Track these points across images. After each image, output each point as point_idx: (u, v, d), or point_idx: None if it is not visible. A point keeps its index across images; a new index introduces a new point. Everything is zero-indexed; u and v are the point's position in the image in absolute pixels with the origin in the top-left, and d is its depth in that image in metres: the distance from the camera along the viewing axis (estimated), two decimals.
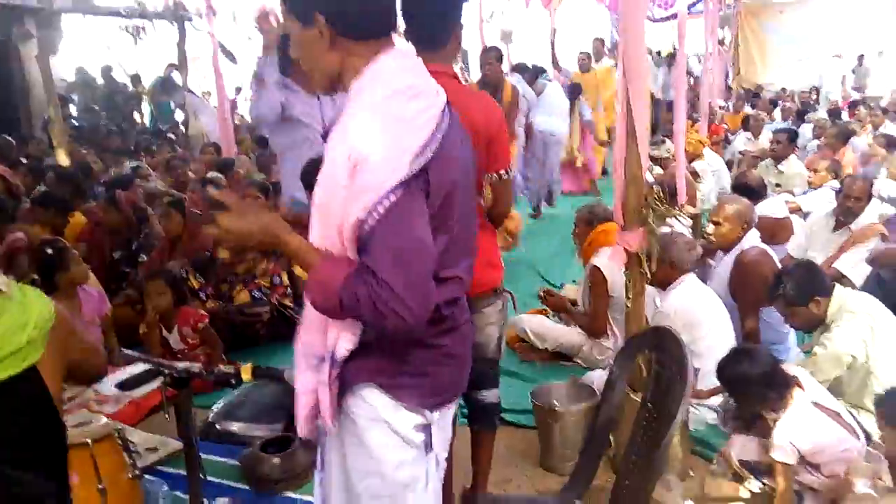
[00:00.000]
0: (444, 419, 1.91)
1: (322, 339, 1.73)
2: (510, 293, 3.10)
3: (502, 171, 2.69)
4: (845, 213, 5.27)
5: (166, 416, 2.58)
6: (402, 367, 1.75)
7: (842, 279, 4.83)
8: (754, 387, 2.99)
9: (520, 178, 8.42)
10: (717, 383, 3.39)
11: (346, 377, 1.73)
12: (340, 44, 1.68)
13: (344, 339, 1.69)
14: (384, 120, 1.58)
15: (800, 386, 2.99)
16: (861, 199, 5.20)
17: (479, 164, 2.52)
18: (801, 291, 3.46)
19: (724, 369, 3.12)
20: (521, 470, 3.50)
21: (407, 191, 1.55)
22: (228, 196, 1.78)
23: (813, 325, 3.58)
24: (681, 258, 3.82)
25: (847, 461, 2.90)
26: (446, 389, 1.86)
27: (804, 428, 2.92)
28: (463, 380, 1.93)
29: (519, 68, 9.07)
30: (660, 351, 2.22)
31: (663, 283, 3.90)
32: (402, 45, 1.78)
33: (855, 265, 4.85)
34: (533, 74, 8.86)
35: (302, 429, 1.85)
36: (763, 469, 3.06)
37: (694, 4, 13.56)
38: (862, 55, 17.49)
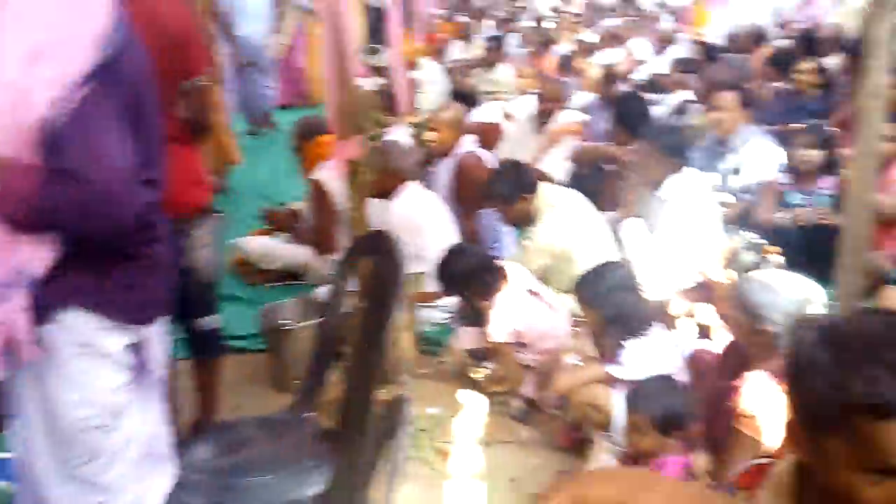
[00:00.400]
0: (157, 333, 1.79)
1: (7, 262, 1.50)
2: (222, 213, 2.93)
3: (198, 78, 2.46)
4: (542, 115, 5.63)
5: None
6: (106, 282, 1.60)
7: (544, 177, 5.18)
8: (466, 280, 3.28)
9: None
10: None
11: (42, 302, 1.53)
12: None
13: (37, 256, 1.50)
14: (61, 5, 1.41)
15: (506, 276, 3.28)
16: (556, 100, 5.56)
17: (173, 68, 2.30)
18: (510, 190, 3.66)
19: (440, 268, 3.35)
20: (253, 394, 3.39)
21: (97, 83, 1.41)
22: None
23: (525, 221, 3.79)
24: (399, 165, 3.83)
25: (555, 338, 3.25)
26: (156, 302, 1.74)
27: (515, 310, 3.23)
28: (170, 291, 1.81)
29: None
30: (378, 253, 2.19)
31: (386, 194, 3.91)
32: None
33: (556, 163, 5.22)
34: None
35: None
36: (489, 356, 3.34)
37: None
38: None
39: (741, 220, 4.13)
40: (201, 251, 2.65)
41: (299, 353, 3.31)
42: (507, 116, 6.45)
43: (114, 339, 1.62)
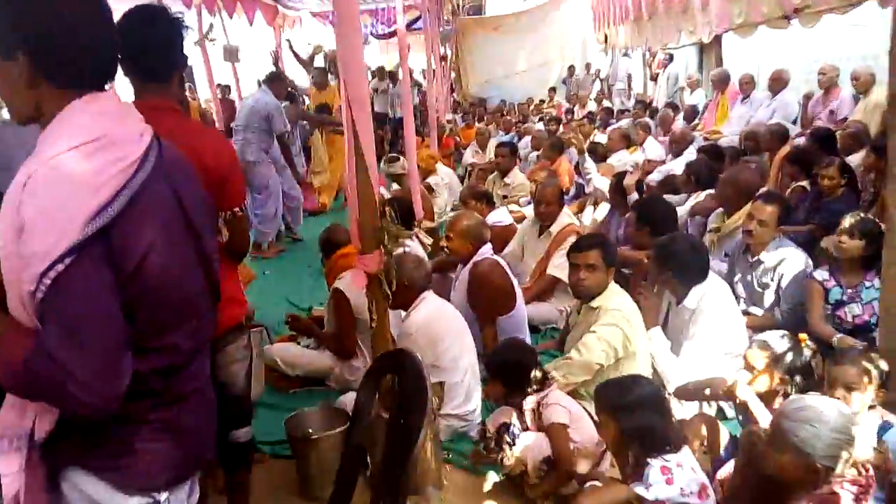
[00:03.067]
0: (178, 497, 1.73)
1: (20, 418, 1.52)
2: (263, 326, 3.07)
3: (236, 209, 2.66)
4: (542, 218, 5.73)
5: None
6: (110, 448, 1.57)
7: (557, 282, 5.30)
8: (517, 372, 3.45)
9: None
10: (460, 390, 3.68)
11: (51, 459, 1.54)
12: (41, 86, 1.53)
13: (41, 419, 1.50)
14: (58, 176, 1.41)
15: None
16: (552, 203, 5.66)
17: (211, 203, 2.47)
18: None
19: (497, 355, 3.61)
20: (280, 501, 3.47)
21: (80, 257, 1.39)
22: None
23: (591, 293, 3.90)
24: (412, 277, 3.92)
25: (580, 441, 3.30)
26: (177, 465, 1.69)
27: (566, 401, 3.36)
28: (203, 451, 1.79)
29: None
30: (400, 371, 2.33)
31: (404, 305, 3.99)
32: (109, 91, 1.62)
33: (564, 267, 5.31)
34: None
35: None
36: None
37: (414, 22, 14.20)
38: (572, 66, 19.23)
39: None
40: (235, 365, 2.77)
41: (325, 462, 3.40)
42: (523, 220, 6.62)
43: (124, 501, 1.60)
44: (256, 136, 7.66)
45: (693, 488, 2.70)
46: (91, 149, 1.46)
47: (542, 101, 17.96)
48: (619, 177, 6.54)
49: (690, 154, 7.91)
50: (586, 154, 7.73)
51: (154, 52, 2.44)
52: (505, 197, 8.01)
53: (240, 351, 2.78)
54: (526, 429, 3.43)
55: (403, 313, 4.11)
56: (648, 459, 2.71)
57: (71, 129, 1.49)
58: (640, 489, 2.70)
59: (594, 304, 3.85)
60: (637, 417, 2.74)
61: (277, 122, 7.73)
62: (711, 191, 5.80)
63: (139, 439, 1.60)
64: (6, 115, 4.13)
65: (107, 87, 1.60)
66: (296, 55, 11.85)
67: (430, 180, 8.48)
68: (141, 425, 1.60)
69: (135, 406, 1.55)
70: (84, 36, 1.53)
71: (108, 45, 1.59)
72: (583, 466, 3.26)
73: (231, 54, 10.52)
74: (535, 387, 3.44)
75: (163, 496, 1.66)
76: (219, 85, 11.42)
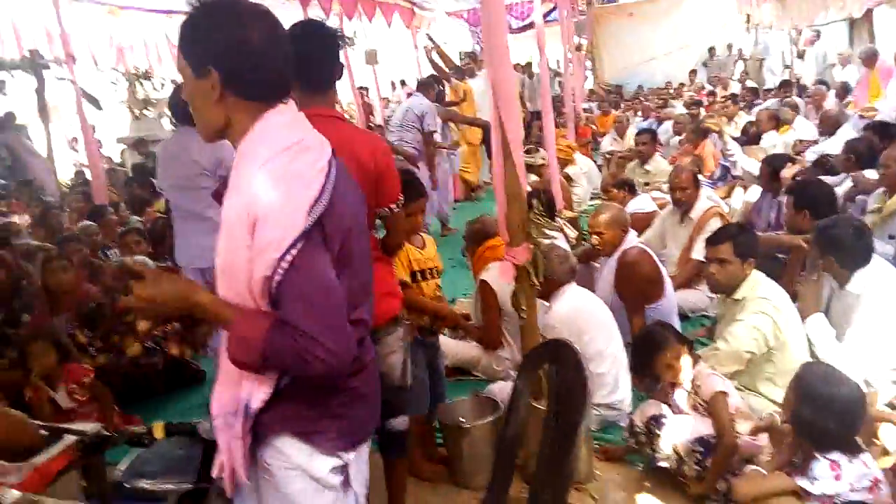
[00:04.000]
0: (359, 457, 1.94)
1: (236, 393, 1.72)
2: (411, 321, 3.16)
3: (392, 206, 2.75)
4: (680, 205, 5.60)
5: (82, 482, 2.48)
6: (316, 413, 1.76)
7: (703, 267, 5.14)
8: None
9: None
10: (608, 380, 3.71)
11: (260, 429, 1.73)
12: (229, 100, 1.69)
13: (258, 390, 1.69)
14: (277, 176, 1.59)
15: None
16: (687, 188, 5.52)
17: (369, 200, 2.59)
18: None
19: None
20: (435, 489, 3.56)
21: (307, 242, 1.58)
22: (142, 266, 1.77)
23: (725, 287, 3.81)
24: (555, 271, 3.92)
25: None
26: (359, 429, 1.88)
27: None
28: (374, 417, 1.96)
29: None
30: (558, 362, 2.35)
31: (546, 296, 3.99)
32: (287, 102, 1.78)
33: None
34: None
35: (227, 487, 1.82)
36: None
37: (548, 13, 14.14)
38: (713, 47, 18.58)
39: None
40: (391, 357, 2.87)
41: (476, 450, 3.48)
42: (666, 206, 6.48)
43: (322, 463, 1.78)
44: (411, 134, 8.24)
45: (864, 483, 2.59)
46: (295, 152, 1.65)
47: (682, 85, 17.43)
48: (770, 160, 6.25)
49: (846, 133, 7.46)
50: (728, 136, 7.45)
51: (318, 65, 2.57)
52: (647, 184, 7.85)
53: (397, 342, 2.89)
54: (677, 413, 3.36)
55: (546, 304, 4.13)
56: (817, 454, 2.62)
57: (273, 135, 1.67)
58: (804, 482, 2.61)
59: (737, 296, 3.72)
60: (822, 415, 2.63)
61: (429, 122, 8.25)
62: (872, 170, 5.46)
63: (338, 405, 1.79)
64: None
65: (285, 99, 1.75)
66: (442, 56, 11.87)
67: (569, 170, 8.42)
68: (340, 392, 1.79)
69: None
70: (269, 51, 1.68)
71: (286, 59, 1.73)
72: (743, 427, 3.13)
73: (371, 57, 10.83)
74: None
75: (350, 456, 1.85)
76: (359, 87, 11.77)
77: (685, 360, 3.38)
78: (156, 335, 4.96)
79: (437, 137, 8.55)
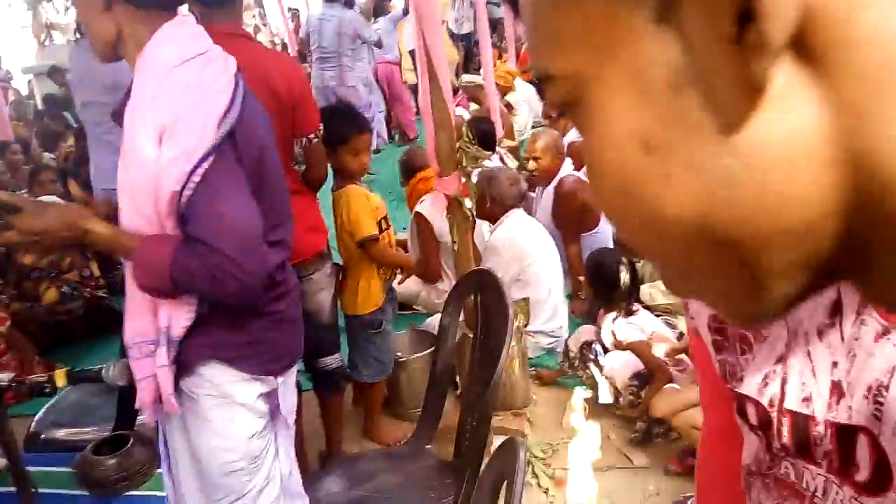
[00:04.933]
0: (287, 382, 1.90)
1: (153, 322, 1.65)
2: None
3: (311, 135, 2.61)
4: None
5: None
6: (240, 338, 1.72)
7: None
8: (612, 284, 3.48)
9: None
10: (546, 307, 3.70)
11: (184, 357, 1.67)
12: (118, 8, 1.56)
13: (178, 317, 1.63)
14: (185, 84, 1.52)
15: None
16: None
17: (284, 128, 2.45)
18: None
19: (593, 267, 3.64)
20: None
21: (219, 155, 1.50)
22: (19, 198, 1.65)
23: None
24: (503, 194, 3.89)
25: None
26: (286, 354, 1.85)
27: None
28: (300, 342, 1.92)
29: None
30: (483, 291, 2.29)
31: (491, 218, 3.99)
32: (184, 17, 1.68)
33: None
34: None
35: (148, 417, 1.78)
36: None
37: None
38: None
39: None
40: (320, 294, 2.79)
41: (415, 382, 3.45)
42: None
43: (249, 390, 1.74)
44: (351, 60, 7.57)
45: None
46: (201, 62, 1.56)
47: None
48: None
49: None
50: None
51: None
52: None
53: (325, 279, 2.80)
54: (605, 350, 3.40)
55: (490, 226, 4.09)
56: None
57: (172, 47, 1.56)
58: None
59: None
60: None
61: (366, 33, 7.55)
62: None
63: (263, 329, 1.75)
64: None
65: (182, 12, 1.66)
66: None
67: (509, 98, 8.25)
68: (264, 316, 1.75)
69: (263, 297, 1.71)
70: None
71: None
72: (659, 349, 3.28)
73: None
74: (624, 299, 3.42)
75: (279, 380, 1.82)
76: (289, 9, 11.26)
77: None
78: (71, 280, 4.76)
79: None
